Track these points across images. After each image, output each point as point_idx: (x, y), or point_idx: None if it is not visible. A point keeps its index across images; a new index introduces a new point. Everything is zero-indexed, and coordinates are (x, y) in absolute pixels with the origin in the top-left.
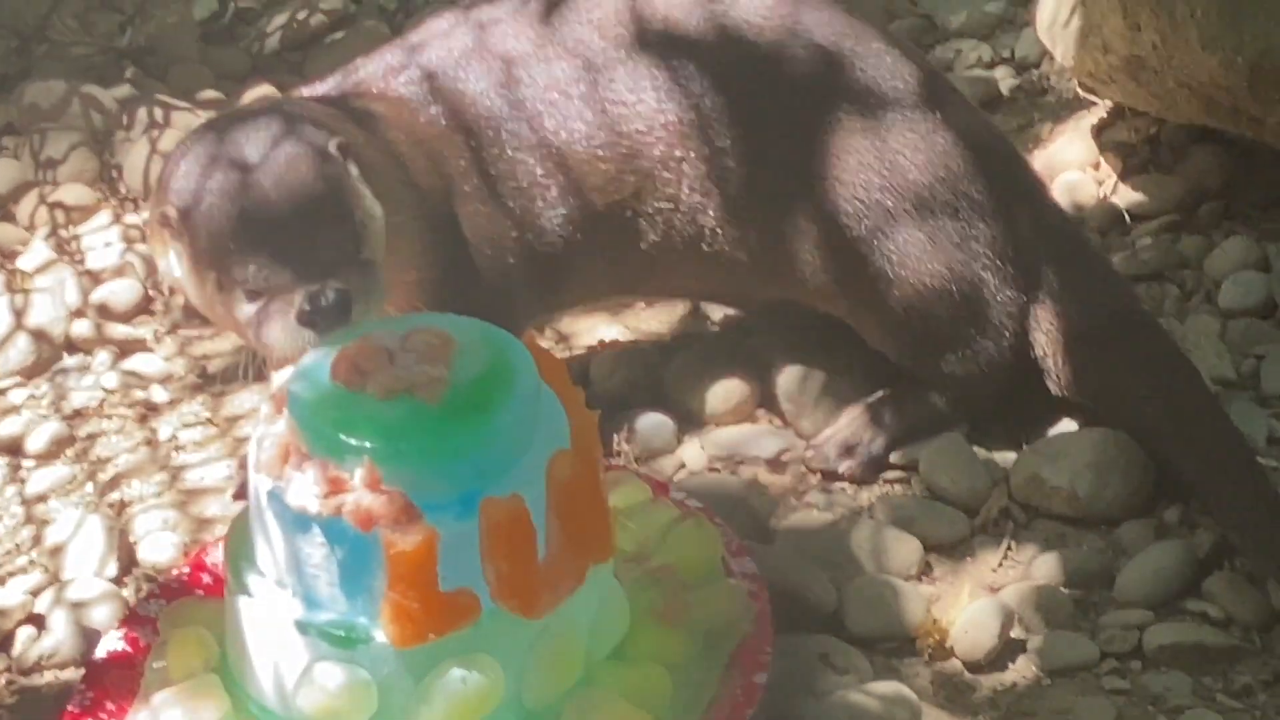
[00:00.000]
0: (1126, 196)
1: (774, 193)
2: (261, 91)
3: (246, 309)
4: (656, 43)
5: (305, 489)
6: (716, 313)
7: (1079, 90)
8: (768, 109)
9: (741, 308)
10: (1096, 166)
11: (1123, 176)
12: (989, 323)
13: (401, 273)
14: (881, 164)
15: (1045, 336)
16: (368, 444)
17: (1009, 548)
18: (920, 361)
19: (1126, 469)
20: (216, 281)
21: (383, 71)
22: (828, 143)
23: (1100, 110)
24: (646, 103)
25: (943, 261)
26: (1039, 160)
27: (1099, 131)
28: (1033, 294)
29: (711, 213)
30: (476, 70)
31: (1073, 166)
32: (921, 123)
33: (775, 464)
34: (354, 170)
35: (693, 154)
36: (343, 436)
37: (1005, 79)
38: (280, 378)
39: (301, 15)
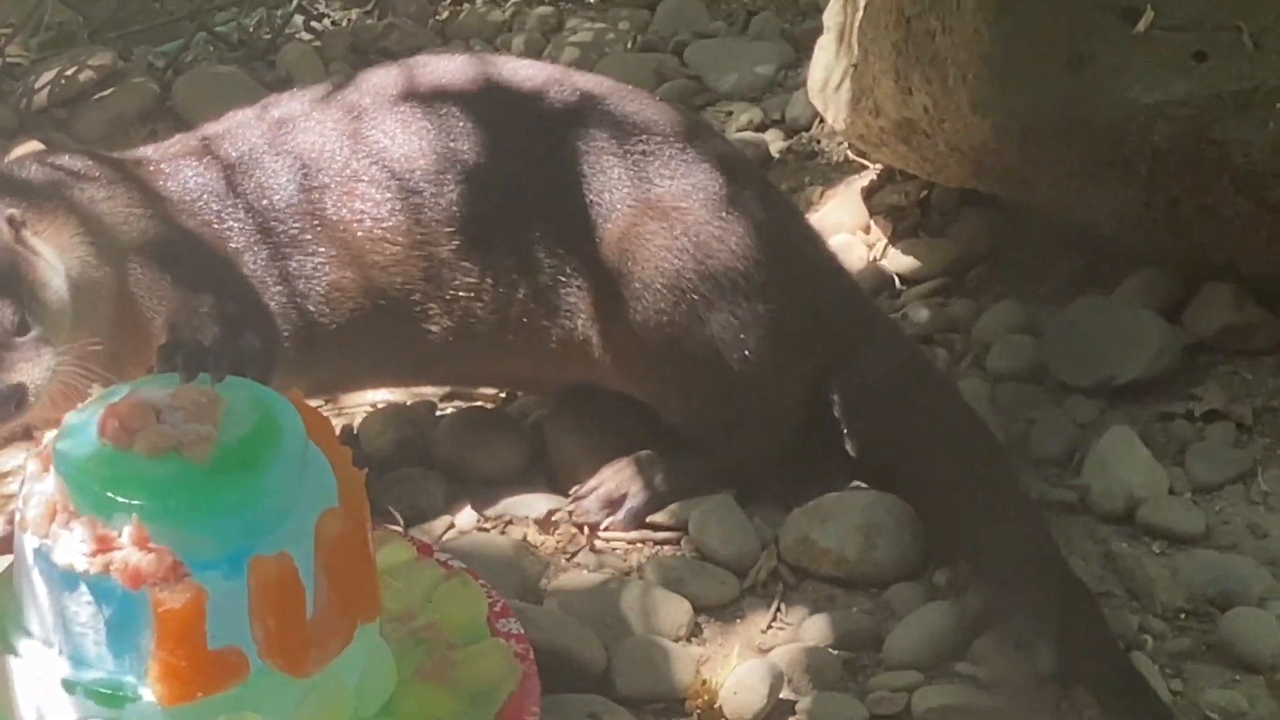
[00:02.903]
0: (896, 260)
1: (585, 281)
2: (29, 147)
3: None
4: (460, 135)
5: (73, 547)
6: None
7: (850, 153)
8: (578, 200)
9: (531, 392)
10: (867, 230)
11: (893, 240)
12: (788, 399)
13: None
14: (694, 250)
15: (844, 401)
16: (135, 502)
17: (778, 609)
18: (714, 433)
19: (896, 531)
20: None
21: (179, 152)
22: (639, 230)
23: (871, 173)
24: (447, 195)
25: (753, 345)
26: (810, 223)
27: (869, 194)
28: (832, 362)
29: (519, 303)
30: (270, 159)
31: (843, 229)
32: (728, 205)
33: (545, 524)
34: (33, 240)
35: (497, 245)
36: (110, 494)
37: (775, 141)
38: (47, 435)
39: (70, 71)
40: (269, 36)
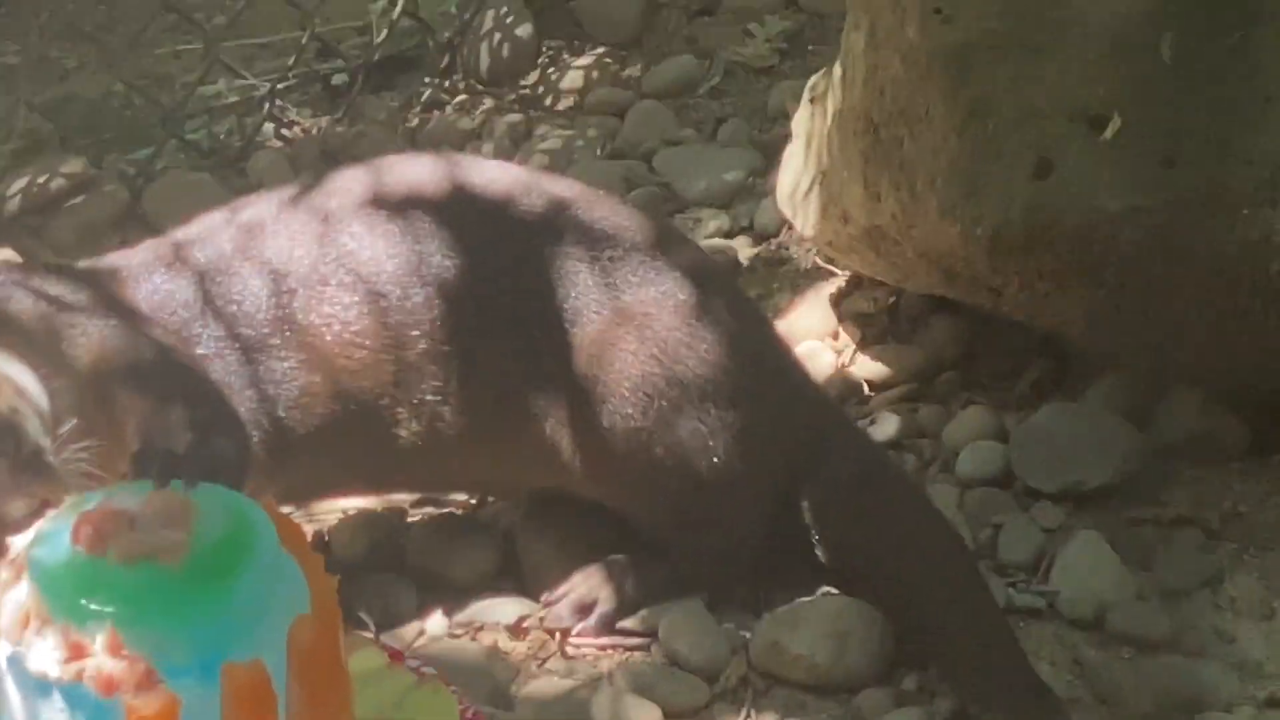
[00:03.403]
0: (865, 366)
1: (553, 386)
2: (1, 256)
3: None
4: (427, 238)
5: (46, 654)
6: None
7: (818, 260)
8: (547, 305)
9: (499, 496)
10: (835, 336)
11: (861, 346)
12: (757, 505)
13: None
14: (662, 357)
15: (812, 507)
16: (109, 609)
17: (749, 715)
18: (683, 539)
19: (865, 637)
20: None
21: (147, 259)
22: (608, 336)
23: (839, 280)
24: (414, 298)
25: (721, 451)
26: (778, 330)
27: (838, 301)
28: (800, 469)
29: (487, 407)
30: (237, 263)
31: (812, 336)
32: (697, 312)
33: (516, 630)
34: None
35: (465, 349)
36: (84, 601)
37: (744, 248)
38: (20, 542)
39: (42, 179)
40: (240, 144)
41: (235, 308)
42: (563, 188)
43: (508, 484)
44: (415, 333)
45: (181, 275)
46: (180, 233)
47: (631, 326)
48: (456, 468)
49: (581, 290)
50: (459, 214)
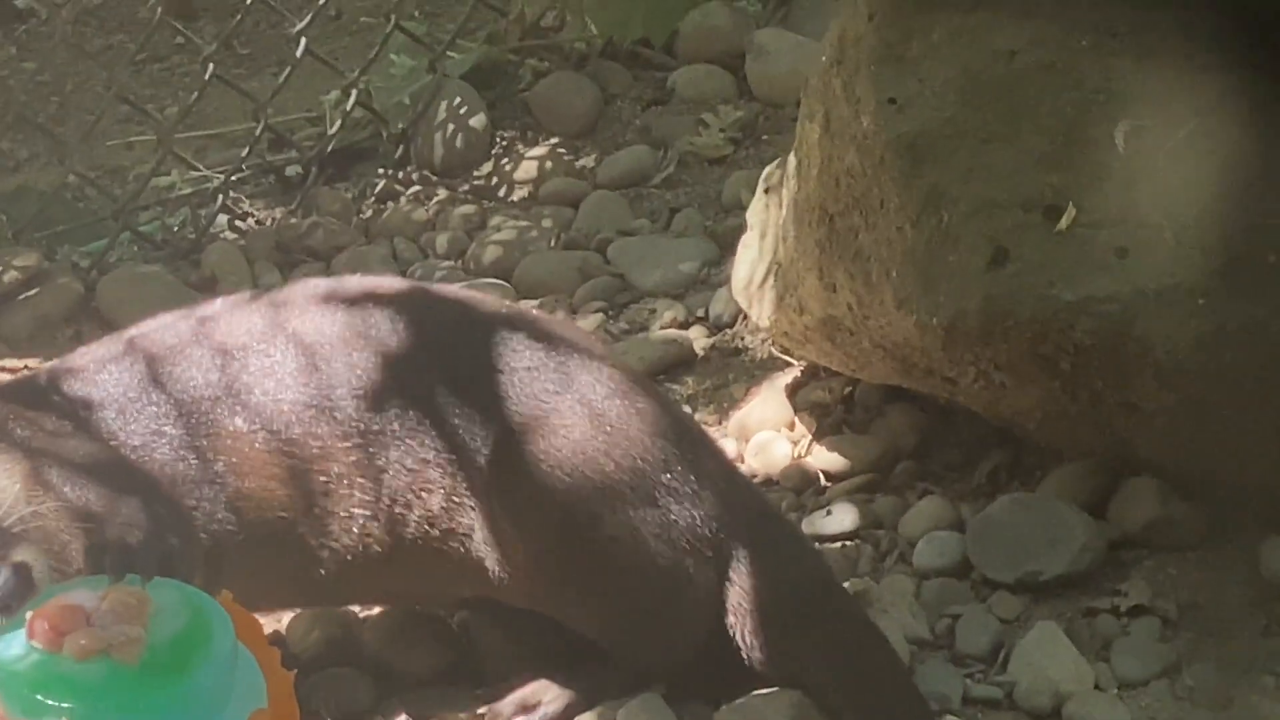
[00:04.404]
0: (821, 456)
1: (477, 499)
2: None
3: None
4: (356, 348)
5: None
6: None
7: (774, 350)
8: (467, 420)
9: (435, 608)
10: (791, 426)
11: (817, 436)
12: (688, 605)
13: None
14: (586, 463)
15: (737, 615)
16: (65, 705)
17: None
18: (618, 641)
19: None
20: None
21: (90, 362)
22: (533, 445)
23: (795, 370)
24: (344, 408)
25: (646, 554)
26: (733, 421)
27: (794, 391)
28: (727, 573)
29: (414, 524)
30: (176, 369)
31: (767, 426)
32: (614, 418)
33: None
34: None
35: (393, 461)
36: (40, 697)
37: (699, 339)
38: None
39: None
40: (193, 236)
41: (178, 411)
42: (483, 303)
43: (441, 597)
44: (341, 448)
45: (122, 380)
46: (129, 331)
47: (553, 437)
48: (387, 581)
49: (500, 404)
50: (386, 331)
